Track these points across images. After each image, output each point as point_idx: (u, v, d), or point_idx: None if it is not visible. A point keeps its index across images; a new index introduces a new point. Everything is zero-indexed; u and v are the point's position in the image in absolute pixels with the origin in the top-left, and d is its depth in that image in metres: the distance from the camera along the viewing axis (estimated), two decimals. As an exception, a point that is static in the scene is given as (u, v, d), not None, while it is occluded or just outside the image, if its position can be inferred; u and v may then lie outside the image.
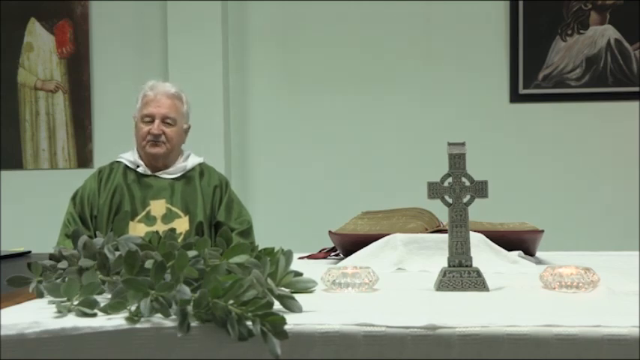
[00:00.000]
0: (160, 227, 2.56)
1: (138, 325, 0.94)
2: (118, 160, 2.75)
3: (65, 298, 1.02)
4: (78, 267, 1.11)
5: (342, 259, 1.71)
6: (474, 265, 1.23)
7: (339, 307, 1.04)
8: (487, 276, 1.23)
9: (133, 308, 0.96)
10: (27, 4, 4.10)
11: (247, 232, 2.70)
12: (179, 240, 1.14)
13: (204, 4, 3.82)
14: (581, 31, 3.78)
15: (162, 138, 2.64)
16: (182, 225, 2.61)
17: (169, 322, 0.94)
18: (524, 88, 3.80)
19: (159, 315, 0.95)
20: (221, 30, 3.85)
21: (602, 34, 3.77)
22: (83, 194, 2.68)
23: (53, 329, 0.94)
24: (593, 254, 1.88)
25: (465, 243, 1.24)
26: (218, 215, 2.69)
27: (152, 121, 2.64)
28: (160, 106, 2.65)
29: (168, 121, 2.65)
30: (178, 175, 2.71)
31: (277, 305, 0.98)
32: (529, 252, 1.71)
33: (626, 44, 3.75)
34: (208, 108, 3.76)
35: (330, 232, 1.76)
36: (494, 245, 1.58)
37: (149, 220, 2.61)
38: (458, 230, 1.24)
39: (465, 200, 1.24)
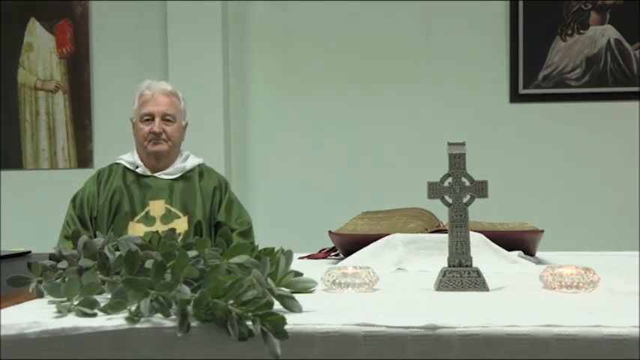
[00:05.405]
0: (159, 227, 2.56)
1: (138, 325, 0.93)
2: (117, 161, 2.76)
3: (65, 298, 1.02)
4: (78, 267, 1.11)
5: (342, 259, 1.71)
6: (474, 265, 1.23)
7: (339, 307, 1.04)
8: (487, 276, 1.23)
9: (133, 308, 0.96)
10: (27, 4, 4.10)
11: (247, 233, 2.71)
12: (178, 240, 1.14)
13: (204, 4, 3.82)
14: (581, 31, 3.78)
15: (164, 136, 2.65)
16: (181, 225, 2.62)
17: (169, 322, 0.94)
18: (524, 88, 3.80)
19: (159, 315, 0.95)
20: (221, 30, 3.85)
21: (602, 34, 3.77)
22: (83, 196, 2.68)
23: (53, 329, 0.94)
24: (593, 254, 1.88)
25: (465, 243, 1.24)
26: (218, 216, 2.69)
27: (152, 120, 2.65)
28: (158, 104, 2.66)
29: (168, 117, 2.66)
30: (177, 175, 2.72)
31: (277, 305, 0.98)
32: (529, 252, 1.71)
33: (626, 44, 3.75)
34: (208, 108, 3.76)
35: (330, 232, 1.76)
36: (494, 245, 1.58)
37: (148, 220, 2.62)
38: (458, 230, 1.24)
39: (465, 200, 1.24)
